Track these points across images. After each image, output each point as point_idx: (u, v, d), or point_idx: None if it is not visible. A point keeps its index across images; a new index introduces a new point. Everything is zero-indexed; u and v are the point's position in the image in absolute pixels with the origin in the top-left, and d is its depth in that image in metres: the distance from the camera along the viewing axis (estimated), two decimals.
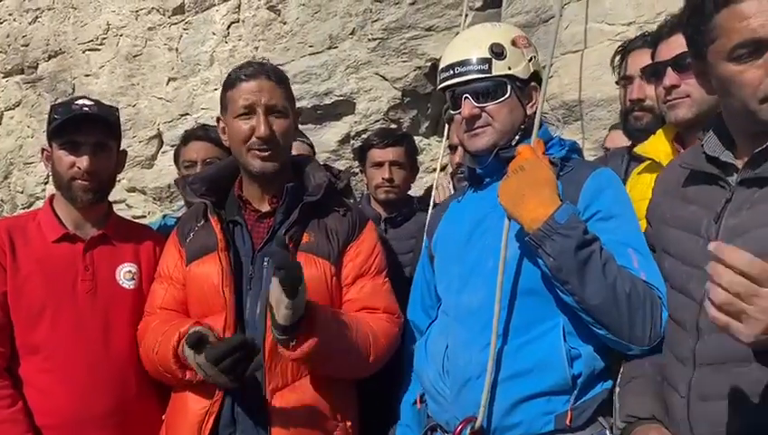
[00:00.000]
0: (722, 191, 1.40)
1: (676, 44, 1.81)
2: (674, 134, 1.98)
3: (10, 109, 5.20)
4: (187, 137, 2.86)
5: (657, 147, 1.98)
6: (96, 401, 1.99)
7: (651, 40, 2.11)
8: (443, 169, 3.11)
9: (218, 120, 2.08)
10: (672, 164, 1.66)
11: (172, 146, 3.88)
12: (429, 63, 3.63)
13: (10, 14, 5.12)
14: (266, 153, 1.94)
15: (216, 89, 4.26)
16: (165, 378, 1.97)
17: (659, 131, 2.03)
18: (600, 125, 3.02)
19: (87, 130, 2.06)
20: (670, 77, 1.88)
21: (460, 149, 2.58)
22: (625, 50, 2.30)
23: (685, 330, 1.41)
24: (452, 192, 2.56)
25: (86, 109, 2.08)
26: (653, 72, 2.00)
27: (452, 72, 1.82)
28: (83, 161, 2.04)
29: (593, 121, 3.05)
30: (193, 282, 1.98)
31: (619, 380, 1.62)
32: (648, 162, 1.98)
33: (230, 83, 1.99)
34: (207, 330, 1.79)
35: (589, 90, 3.01)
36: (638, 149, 2.04)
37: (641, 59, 2.17)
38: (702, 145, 1.47)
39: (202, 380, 1.81)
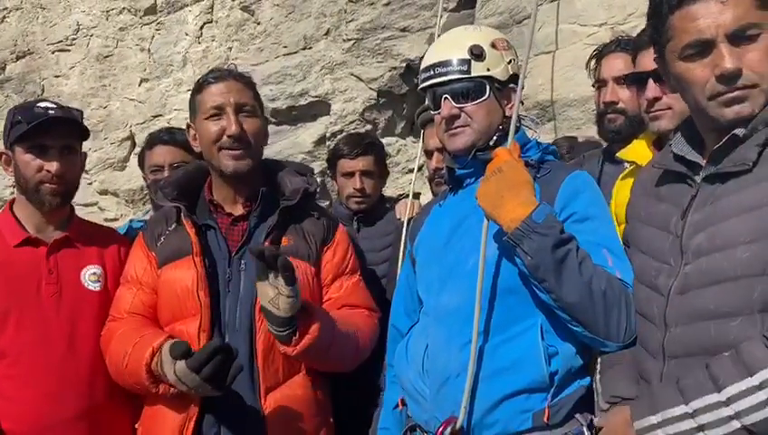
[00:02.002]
0: (689, 188, 1.45)
1: None
2: (654, 138, 2.03)
3: None
4: (152, 141, 2.82)
5: (639, 151, 2.03)
6: (64, 406, 1.96)
7: (627, 45, 2.17)
8: (419, 169, 3.14)
9: (188, 127, 2.09)
10: (649, 165, 1.71)
11: None
12: (404, 64, 3.64)
13: None
14: (238, 152, 1.95)
15: (189, 90, 4.18)
16: (135, 390, 1.95)
17: (640, 137, 2.08)
18: (572, 125, 3.06)
19: (55, 134, 2.04)
20: (652, 90, 1.93)
21: (437, 153, 2.61)
22: (599, 54, 2.35)
23: (653, 324, 1.44)
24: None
25: (51, 112, 2.05)
26: (634, 80, 2.05)
27: (432, 72, 1.84)
28: (53, 165, 2.02)
29: (566, 121, 3.09)
30: (165, 286, 1.97)
31: (598, 368, 1.64)
32: (632, 167, 2.04)
33: (198, 88, 2.03)
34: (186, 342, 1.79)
35: (561, 90, 3.05)
36: (621, 154, 2.09)
37: (615, 63, 2.23)
38: (671, 145, 1.52)
39: (176, 392, 1.82)
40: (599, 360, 1.66)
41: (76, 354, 2.00)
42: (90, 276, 2.10)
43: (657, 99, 1.93)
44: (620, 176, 2.11)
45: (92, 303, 2.07)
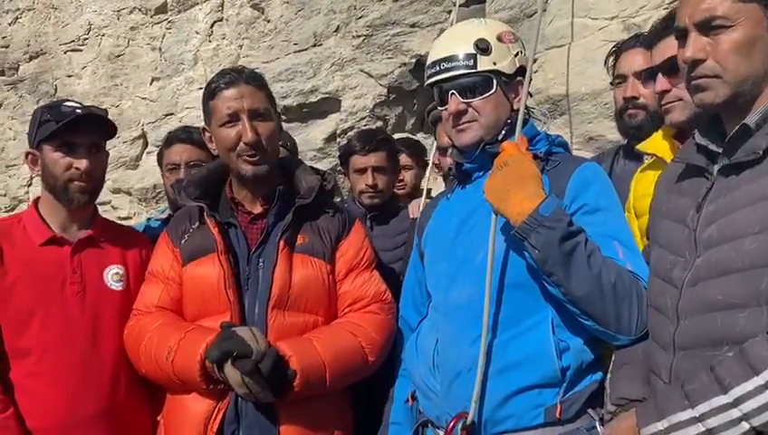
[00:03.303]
0: (706, 181, 1.46)
1: (666, 49, 1.84)
2: (674, 131, 2.02)
3: None
4: (170, 139, 2.87)
5: (659, 143, 2.02)
6: (86, 403, 1.98)
7: (644, 40, 2.15)
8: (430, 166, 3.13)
9: (204, 130, 2.12)
10: (672, 160, 1.71)
11: (157, 146, 3.85)
12: (414, 60, 3.63)
13: None
14: (255, 158, 1.98)
15: (200, 88, 4.20)
16: (171, 384, 1.95)
17: (661, 129, 2.07)
18: (585, 119, 3.04)
19: (83, 132, 2.07)
20: (661, 82, 1.93)
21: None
22: (618, 50, 2.33)
23: (666, 316, 1.45)
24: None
25: (79, 111, 2.08)
26: (648, 76, 2.05)
27: (438, 68, 1.84)
28: (82, 163, 2.05)
29: (578, 115, 3.07)
30: (190, 283, 2.01)
31: (611, 367, 1.64)
32: (652, 159, 2.02)
33: (210, 93, 2.03)
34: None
35: (574, 84, 3.03)
36: (641, 147, 2.08)
37: (634, 58, 2.21)
38: (694, 136, 1.52)
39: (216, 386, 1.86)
40: (613, 356, 1.65)
41: (99, 353, 2.03)
42: (112, 276, 2.12)
43: (665, 91, 1.92)
44: (640, 168, 2.09)
45: (115, 302, 2.10)
